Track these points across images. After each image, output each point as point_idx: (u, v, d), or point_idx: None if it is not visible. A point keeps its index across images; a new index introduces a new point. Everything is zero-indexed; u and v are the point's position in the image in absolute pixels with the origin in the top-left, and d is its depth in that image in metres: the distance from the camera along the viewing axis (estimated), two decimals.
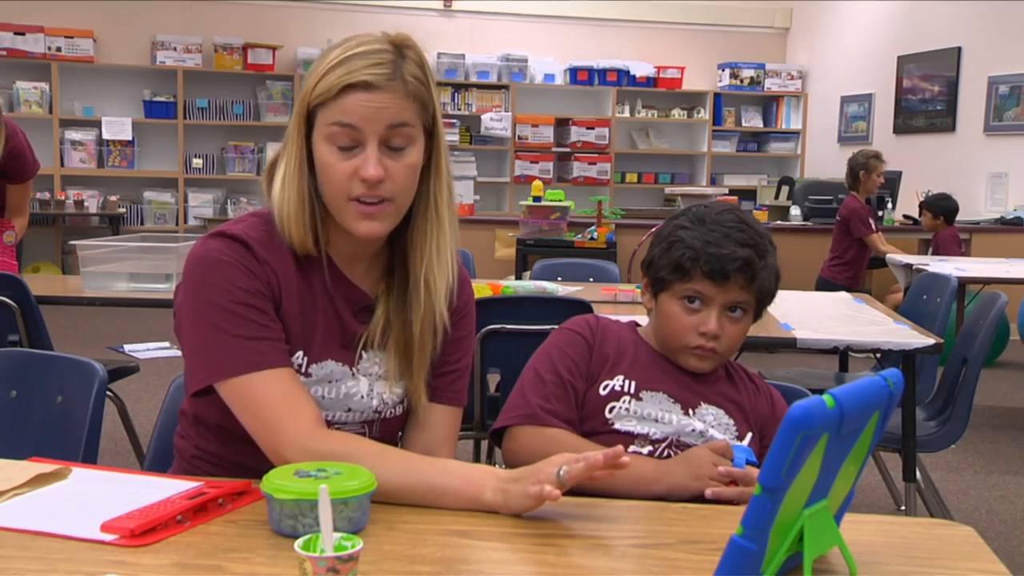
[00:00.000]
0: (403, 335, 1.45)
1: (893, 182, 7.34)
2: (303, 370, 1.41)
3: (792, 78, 9.77)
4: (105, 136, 8.33)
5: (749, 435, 1.62)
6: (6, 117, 3.52)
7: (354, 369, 1.45)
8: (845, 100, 9.20)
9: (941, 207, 6.48)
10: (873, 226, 5.87)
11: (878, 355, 3.40)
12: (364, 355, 1.46)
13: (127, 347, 5.91)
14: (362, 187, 1.35)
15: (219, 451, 1.47)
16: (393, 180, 1.36)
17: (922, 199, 6.79)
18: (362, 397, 1.45)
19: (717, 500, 1.47)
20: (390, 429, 1.51)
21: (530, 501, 1.24)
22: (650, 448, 1.58)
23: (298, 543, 1.03)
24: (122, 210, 8.18)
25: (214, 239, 1.39)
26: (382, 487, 1.24)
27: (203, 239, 1.41)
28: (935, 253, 6.40)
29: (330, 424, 1.44)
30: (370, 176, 1.34)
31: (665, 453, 1.58)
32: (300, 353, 1.41)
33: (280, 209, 1.40)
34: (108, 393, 2.64)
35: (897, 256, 5.71)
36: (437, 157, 1.43)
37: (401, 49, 1.37)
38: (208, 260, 1.37)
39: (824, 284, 5.82)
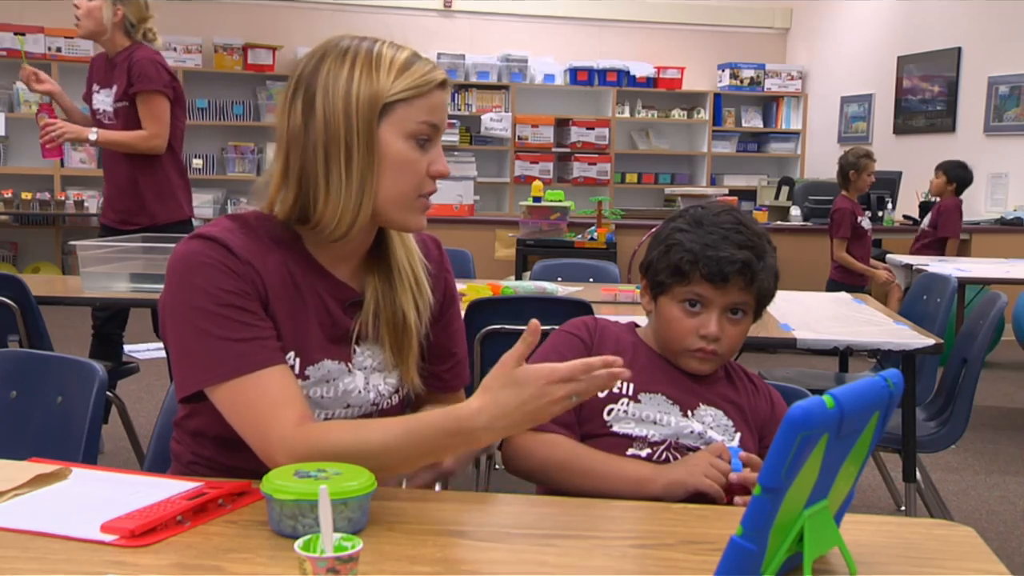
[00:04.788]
0: (394, 319, 1.47)
1: (893, 182, 7.34)
2: (297, 372, 1.41)
3: (792, 78, 9.77)
4: None
5: (738, 435, 1.62)
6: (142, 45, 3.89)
7: (349, 365, 1.46)
8: (845, 100, 9.20)
9: (957, 174, 6.41)
10: (849, 232, 5.84)
11: (878, 356, 3.40)
12: (357, 349, 1.47)
13: (127, 347, 5.88)
14: (431, 184, 1.43)
15: (216, 456, 1.47)
16: None
17: (923, 198, 6.76)
18: (359, 392, 1.46)
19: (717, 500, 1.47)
20: None
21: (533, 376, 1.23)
22: (648, 451, 1.58)
23: (298, 543, 1.03)
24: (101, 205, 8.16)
25: (193, 241, 1.38)
26: (369, 455, 1.25)
27: (183, 241, 1.40)
28: (934, 222, 6.35)
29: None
30: (445, 172, 1.42)
31: (664, 456, 1.58)
32: (292, 354, 1.41)
33: (336, 209, 1.39)
34: (108, 394, 2.64)
35: (897, 256, 5.72)
36: None
37: None
38: (189, 263, 1.36)
39: (835, 286, 5.80)
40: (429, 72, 1.40)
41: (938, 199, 6.50)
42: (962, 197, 6.45)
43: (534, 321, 1.25)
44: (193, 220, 4.11)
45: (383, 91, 1.37)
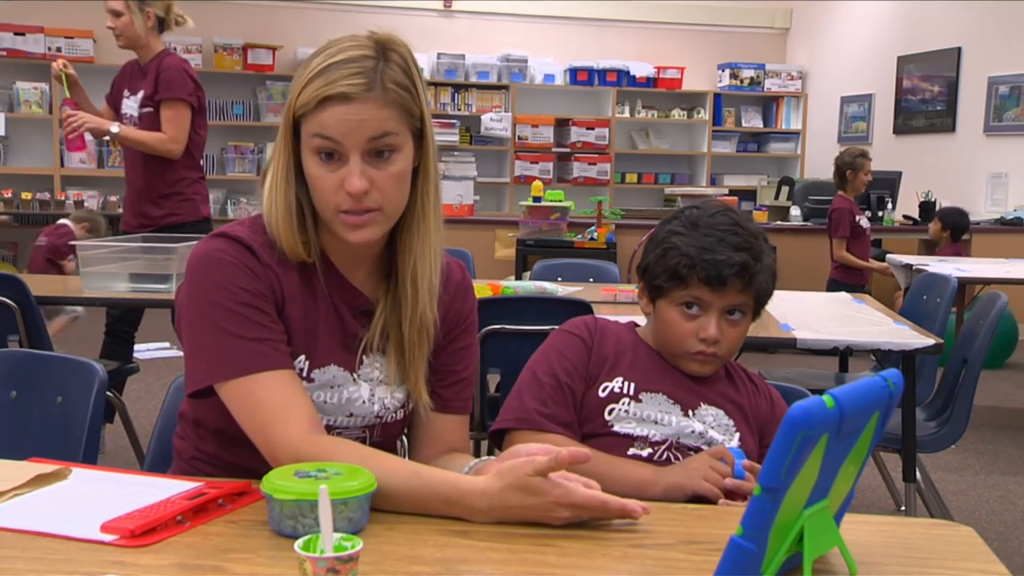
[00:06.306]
0: (397, 336, 1.45)
1: (893, 182, 7.34)
2: (305, 375, 1.41)
3: (792, 78, 9.77)
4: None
5: (738, 435, 1.62)
6: (168, 51, 3.98)
7: (355, 374, 1.45)
8: (845, 100, 9.20)
9: (953, 221, 6.45)
10: (848, 231, 5.83)
11: (878, 355, 3.40)
12: (365, 360, 1.46)
13: None
14: (348, 200, 1.34)
15: (218, 453, 1.47)
16: (379, 190, 1.35)
17: (923, 198, 6.77)
18: (363, 402, 1.45)
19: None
20: (391, 433, 1.51)
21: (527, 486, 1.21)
22: (650, 451, 1.58)
23: (298, 543, 1.03)
24: (122, 210, 8.17)
25: (217, 239, 1.39)
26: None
27: (206, 239, 1.41)
28: None
29: (332, 429, 1.43)
30: (354, 190, 1.32)
31: (664, 455, 1.58)
32: (302, 357, 1.41)
33: (269, 217, 1.40)
34: (108, 393, 2.64)
35: (897, 256, 5.71)
36: (426, 161, 1.42)
37: (385, 52, 1.35)
38: (211, 260, 1.37)
39: (835, 286, 5.79)
40: (324, 86, 1.31)
41: (936, 246, 6.55)
42: (960, 241, 6.50)
43: (582, 450, 1.21)
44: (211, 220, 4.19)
45: (292, 103, 1.35)
